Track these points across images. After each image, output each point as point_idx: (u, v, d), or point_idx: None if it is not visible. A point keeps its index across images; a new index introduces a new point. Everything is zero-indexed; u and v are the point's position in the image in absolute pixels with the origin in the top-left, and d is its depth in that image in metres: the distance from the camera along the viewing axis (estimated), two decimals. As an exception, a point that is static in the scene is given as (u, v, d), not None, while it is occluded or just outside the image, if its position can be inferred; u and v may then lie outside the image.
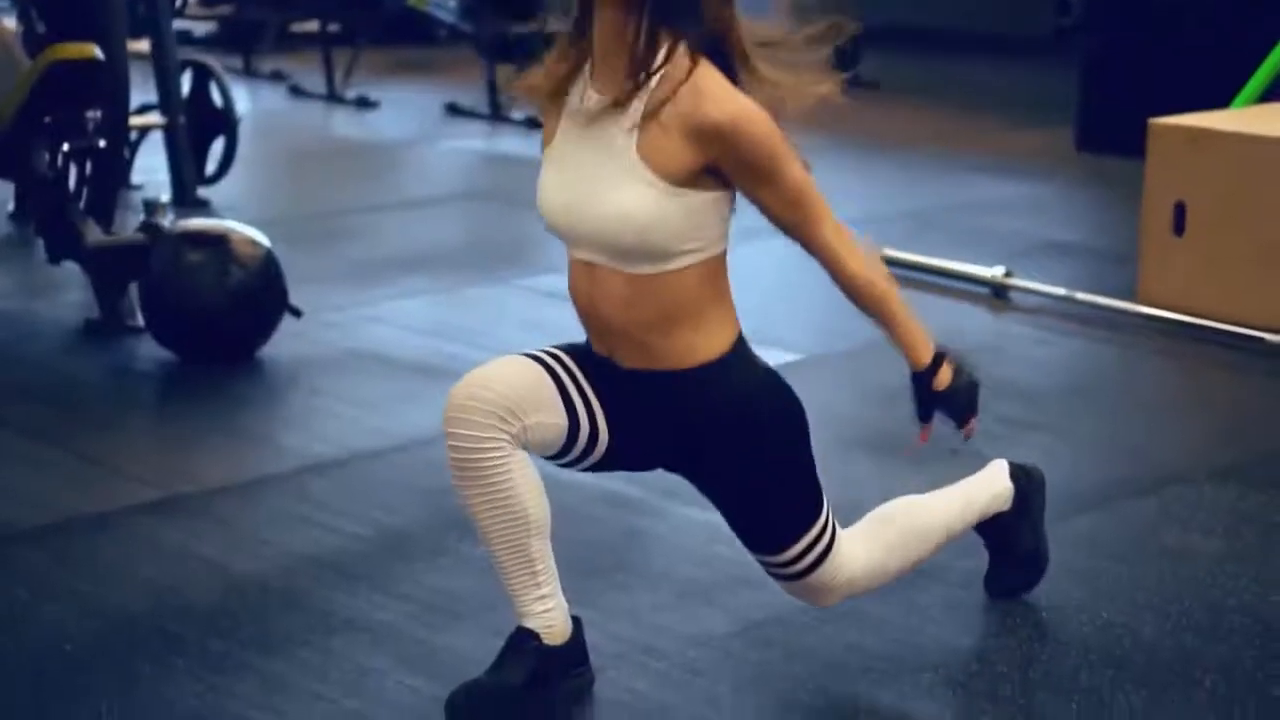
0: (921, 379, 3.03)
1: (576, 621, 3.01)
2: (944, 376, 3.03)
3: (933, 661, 3.19)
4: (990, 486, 3.36)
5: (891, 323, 2.99)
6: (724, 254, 2.88)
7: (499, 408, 2.81)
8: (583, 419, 2.90)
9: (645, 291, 2.82)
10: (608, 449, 2.95)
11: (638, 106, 2.78)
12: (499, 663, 2.94)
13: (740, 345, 2.93)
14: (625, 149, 2.79)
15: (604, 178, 2.80)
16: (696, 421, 2.92)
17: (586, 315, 2.93)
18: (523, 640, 2.94)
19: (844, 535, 3.11)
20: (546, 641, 2.94)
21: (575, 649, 3.00)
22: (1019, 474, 3.41)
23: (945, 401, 3.05)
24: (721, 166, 2.79)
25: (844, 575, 3.09)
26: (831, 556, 3.05)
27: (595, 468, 3.01)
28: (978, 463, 4.06)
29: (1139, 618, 3.35)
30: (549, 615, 2.95)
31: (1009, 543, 3.39)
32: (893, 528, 3.19)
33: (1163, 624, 3.32)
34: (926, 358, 3.01)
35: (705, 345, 2.88)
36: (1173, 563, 3.61)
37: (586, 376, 2.93)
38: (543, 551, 2.92)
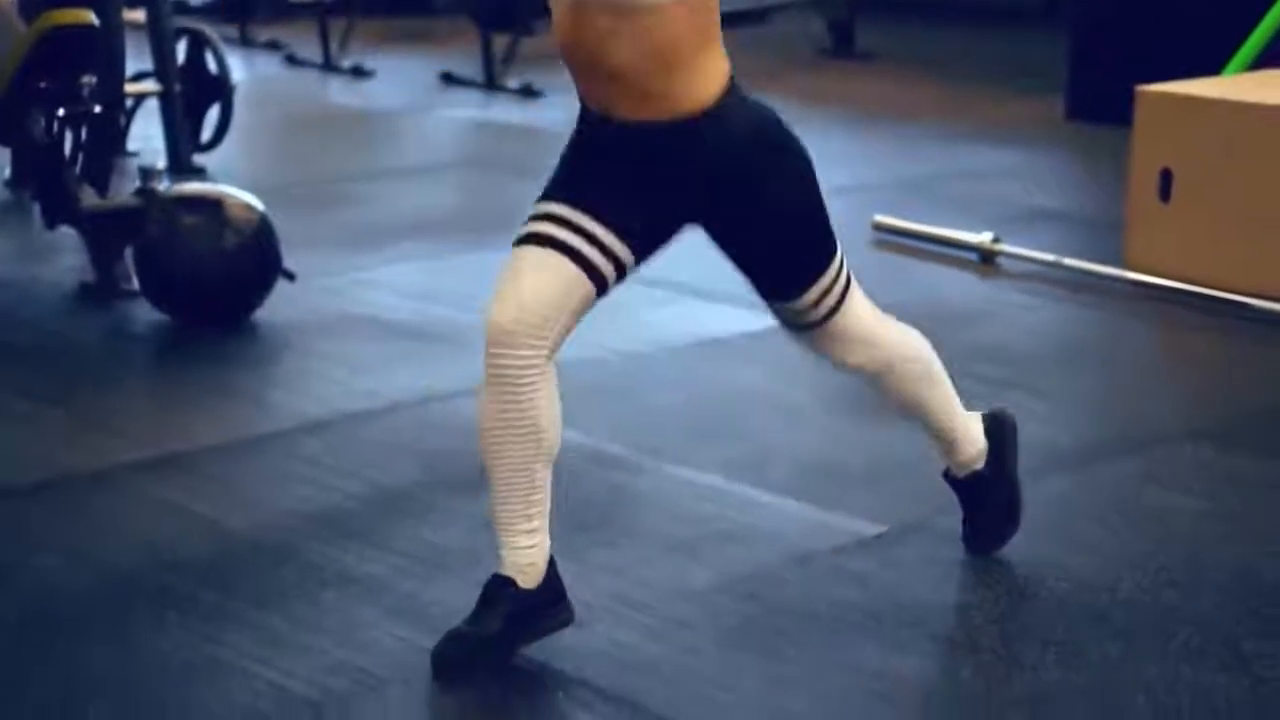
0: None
1: (551, 562, 3.06)
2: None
3: (913, 615, 3.25)
4: (967, 433, 3.41)
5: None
6: (712, 7, 2.88)
7: (536, 329, 2.91)
8: (607, 271, 2.95)
9: (635, 29, 2.81)
10: (634, 258, 2.99)
11: None
12: (477, 612, 3.01)
13: (734, 86, 2.94)
14: None
15: None
16: (703, 168, 2.94)
17: (580, 65, 2.91)
18: (499, 588, 3.00)
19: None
20: (522, 585, 3.00)
21: (550, 590, 3.05)
22: (992, 426, 3.46)
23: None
24: None
25: (865, 323, 3.22)
26: (849, 300, 3.17)
27: (636, 269, 3.04)
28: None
29: (1117, 574, 3.40)
30: (532, 552, 3.01)
31: (984, 499, 3.44)
32: (911, 338, 3.38)
33: (1140, 580, 3.38)
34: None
35: (702, 88, 2.89)
36: (1152, 521, 3.67)
37: (587, 207, 2.93)
38: (544, 481, 3.00)
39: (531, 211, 2.99)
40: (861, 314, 3.21)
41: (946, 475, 3.46)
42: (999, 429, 3.46)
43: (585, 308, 2.98)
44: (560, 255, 2.93)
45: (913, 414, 3.37)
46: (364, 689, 2.94)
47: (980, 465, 3.42)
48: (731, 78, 2.95)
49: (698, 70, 2.89)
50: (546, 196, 3.00)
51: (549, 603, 3.05)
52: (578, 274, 2.93)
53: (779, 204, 3.02)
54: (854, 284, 3.20)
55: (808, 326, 3.18)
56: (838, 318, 3.17)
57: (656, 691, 2.94)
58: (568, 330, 2.96)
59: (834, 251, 3.14)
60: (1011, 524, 3.47)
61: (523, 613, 3.00)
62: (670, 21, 2.83)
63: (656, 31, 2.83)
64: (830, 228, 3.12)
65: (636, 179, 2.96)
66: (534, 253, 2.94)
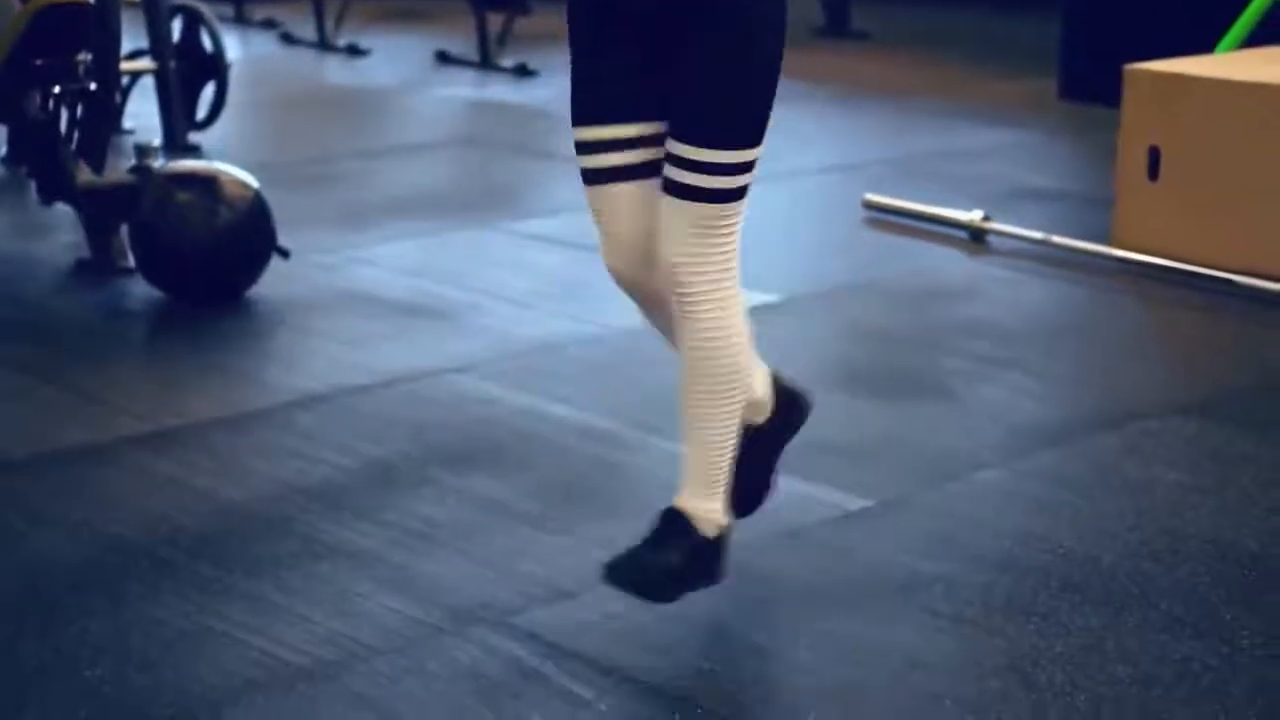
0: None
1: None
2: None
3: (897, 587, 3.30)
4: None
5: None
6: None
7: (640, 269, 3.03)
8: (659, 156, 2.96)
9: None
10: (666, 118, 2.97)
11: None
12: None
13: None
14: None
15: None
16: (695, 10, 2.89)
17: None
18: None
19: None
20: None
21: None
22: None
23: None
24: None
25: (719, 255, 2.95)
26: (729, 212, 2.94)
27: None
28: (953, 401, 4.18)
29: (1100, 546, 3.45)
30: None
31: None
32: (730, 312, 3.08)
33: (1122, 551, 3.43)
34: None
35: None
36: (1135, 494, 3.72)
37: (617, 114, 2.97)
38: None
39: (574, 139, 3.01)
40: (719, 244, 2.96)
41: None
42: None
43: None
44: (628, 183, 2.98)
45: (688, 407, 3.09)
46: (355, 658, 2.98)
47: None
48: None
49: None
50: (576, 120, 3.01)
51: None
52: (647, 188, 2.98)
53: (741, 45, 2.90)
54: (738, 220, 2.98)
55: (680, 189, 2.92)
56: (711, 209, 2.92)
57: (645, 662, 2.99)
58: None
59: (755, 145, 2.98)
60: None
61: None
62: None
63: None
64: (765, 121, 2.99)
65: (641, 46, 2.95)
66: (607, 191, 2.99)
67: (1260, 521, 3.57)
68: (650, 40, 2.96)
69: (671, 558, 3.02)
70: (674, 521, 3.06)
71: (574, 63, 3.03)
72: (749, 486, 3.32)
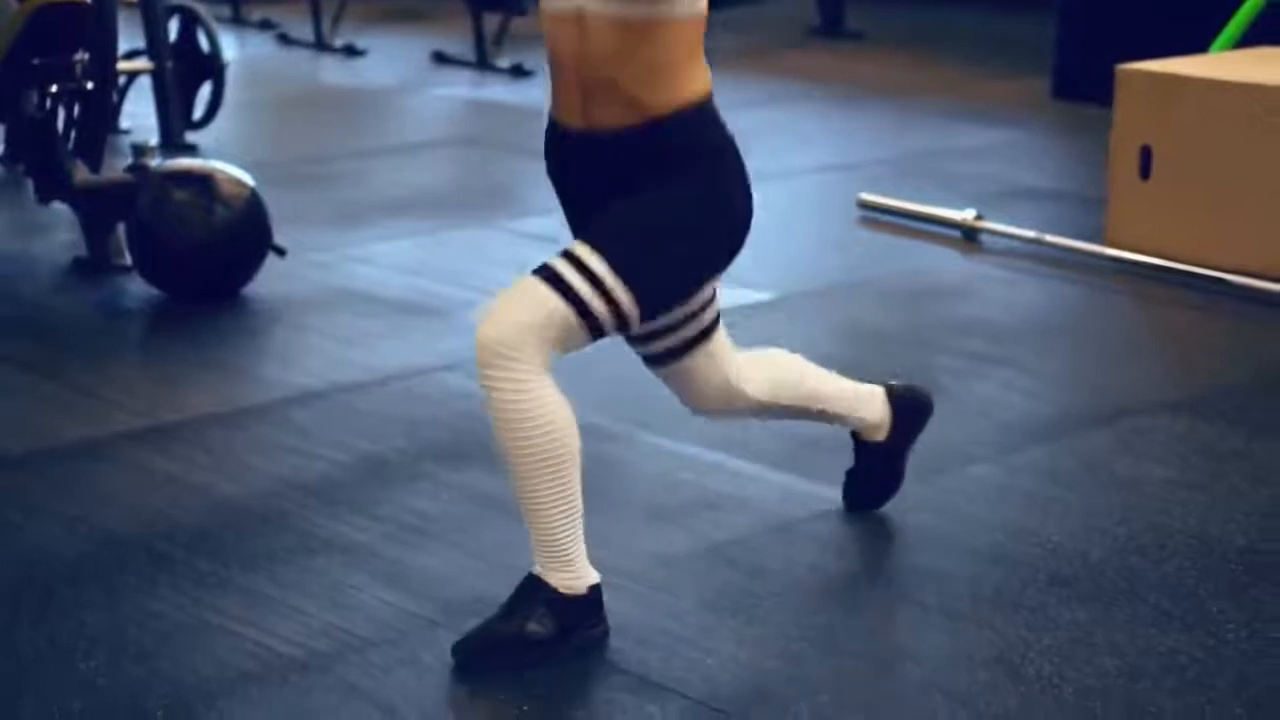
0: None
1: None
2: None
3: (888, 580, 3.33)
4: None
5: None
6: (704, 18, 2.95)
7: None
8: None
9: (637, 41, 2.88)
10: None
11: None
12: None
13: (708, 103, 2.98)
14: None
15: None
16: (653, 164, 2.95)
17: (572, 77, 2.96)
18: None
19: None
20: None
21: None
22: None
23: None
24: None
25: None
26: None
27: None
28: (945, 398, 4.20)
29: (1088, 540, 3.48)
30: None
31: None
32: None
33: (1111, 546, 3.45)
34: None
35: (675, 95, 2.93)
36: (1124, 490, 3.74)
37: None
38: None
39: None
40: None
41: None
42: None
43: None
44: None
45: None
46: (349, 650, 3.01)
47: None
48: (709, 95, 3.00)
49: (682, 78, 2.95)
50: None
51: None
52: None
53: (663, 212, 2.96)
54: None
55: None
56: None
57: (636, 653, 3.02)
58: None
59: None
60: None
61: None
62: (669, 36, 2.90)
63: (655, 44, 2.89)
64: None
65: (589, 192, 3.03)
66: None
67: (1248, 517, 3.60)
68: (606, 179, 3.02)
69: (516, 625, 2.96)
70: (527, 588, 3.01)
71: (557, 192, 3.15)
72: (879, 489, 3.57)
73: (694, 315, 3.18)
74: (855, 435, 3.56)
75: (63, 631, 3.06)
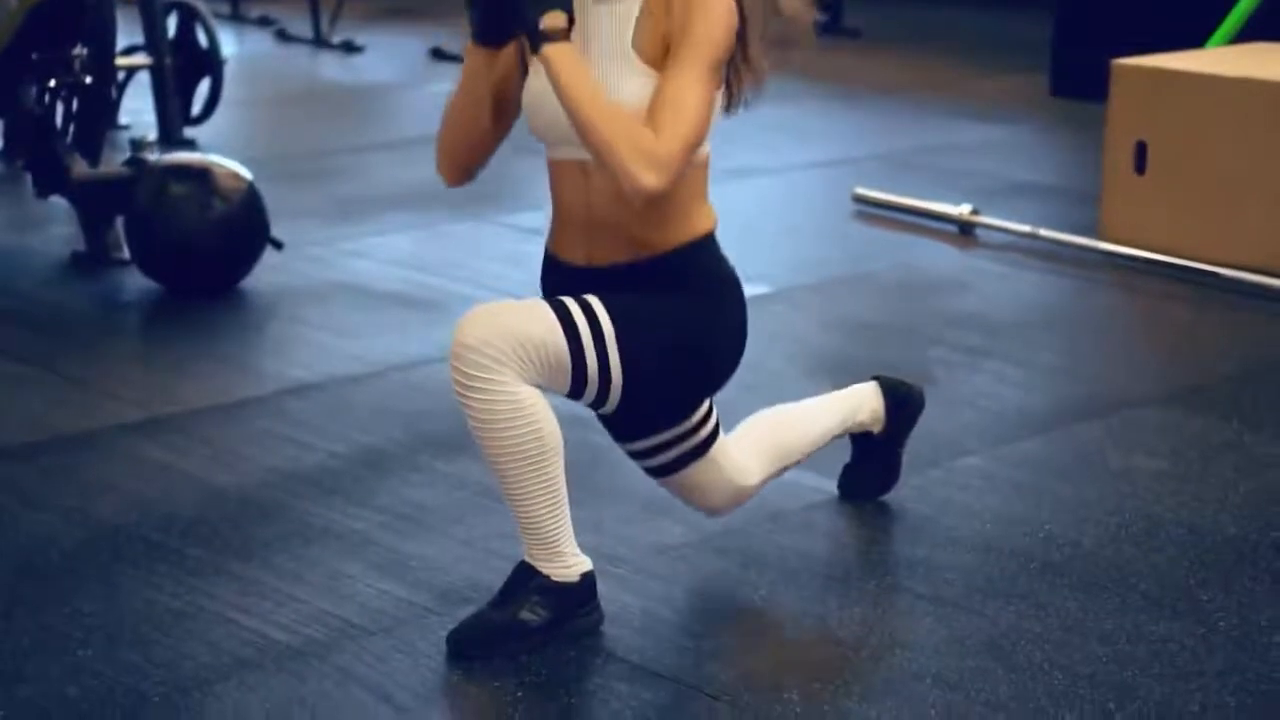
0: None
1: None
2: None
3: (880, 569, 3.35)
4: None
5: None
6: (709, 157, 3.00)
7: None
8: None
9: None
10: None
11: (632, 3, 2.90)
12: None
13: (711, 240, 3.03)
14: (620, 40, 2.89)
15: (603, 75, 2.88)
16: (664, 281, 2.98)
17: (576, 219, 3.00)
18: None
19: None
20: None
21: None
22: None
23: None
24: (670, 36, 2.87)
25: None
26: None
27: None
28: (938, 390, 4.22)
29: (1080, 530, 3.50)
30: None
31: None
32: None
33: (1102, 535, 3.47)
34: None
35: (676, 234, 2.98)
36: (1116, 481, 3.76)
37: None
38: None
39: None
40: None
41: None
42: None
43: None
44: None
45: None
46: (344, 637, 3.03)
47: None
48: (712, 232, 3.03)
49: (684, 220, 2.99)
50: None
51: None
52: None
53: (671, 317, 2.98)
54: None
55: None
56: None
57: (630, 640, 3.04)
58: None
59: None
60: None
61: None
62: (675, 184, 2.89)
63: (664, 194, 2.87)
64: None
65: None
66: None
67: (1238, 507, 3.62)
68: None
69: (509, 613, 2.98)
70: (519, 576, 3.03)
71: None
72: (876, 480, 3.60)
73: (693, 430, 3.19)
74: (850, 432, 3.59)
75: (60, 619, 3.08)
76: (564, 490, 2.97)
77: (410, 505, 3.58)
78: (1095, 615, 3.14)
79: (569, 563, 3.01)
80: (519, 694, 2.87)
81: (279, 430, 4.01)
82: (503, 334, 2.85)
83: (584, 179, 2.97)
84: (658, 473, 3.26)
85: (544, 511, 2.96)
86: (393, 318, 4.84)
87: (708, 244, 3.04)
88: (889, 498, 3.61)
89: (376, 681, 2.89)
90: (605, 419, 3.18)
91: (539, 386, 2.90)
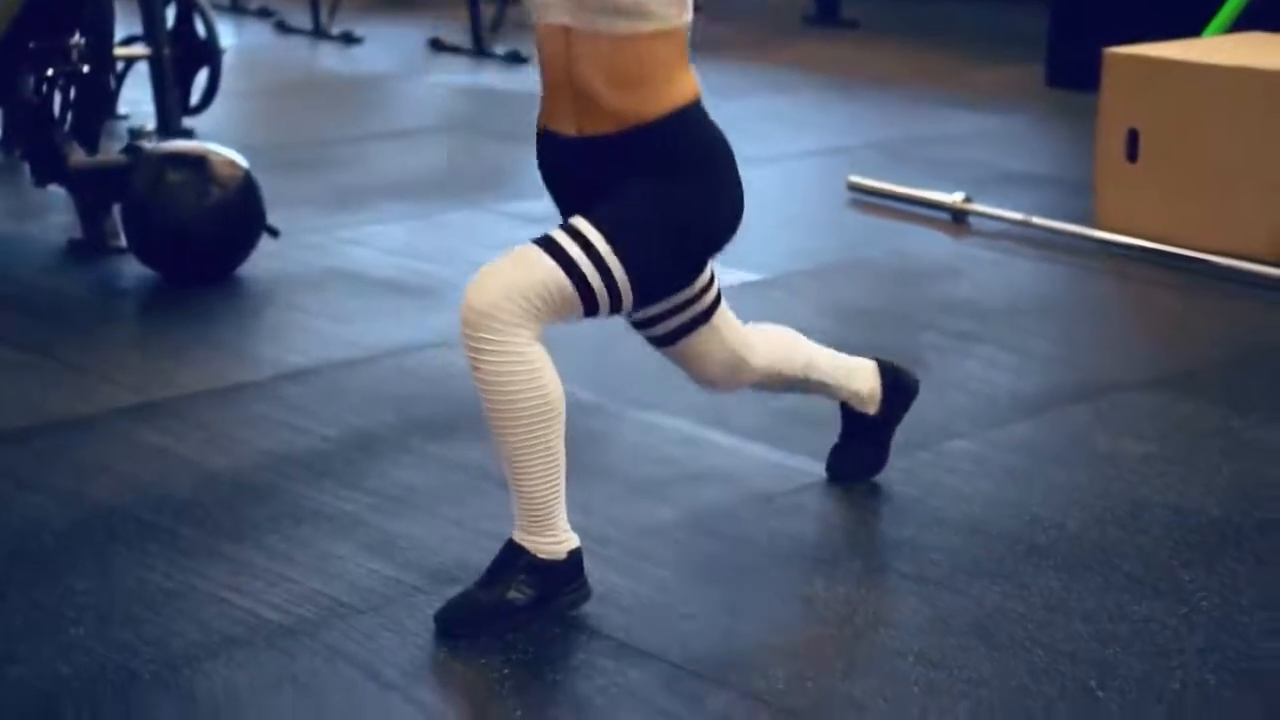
0: None
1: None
2: None
3: (867, 550, 3.38)
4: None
5: None
6: (688, 27, 3.01)
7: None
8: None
9: (621, 54, 2.94)
10: None
11: None
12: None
13: (696, 106, 3.03)
14: None
15: None
16: (643, 162, 3.00)
17: (561, 85, 3.02)
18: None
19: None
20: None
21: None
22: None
23: None
24: None
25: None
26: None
27: None
28: (928, 375, 4.25)
29: (1066, 512, 3.53)
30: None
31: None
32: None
33: (1088, 517, 3.50)
34: None
35: (669, 98, 2.99)
36: (1103, 464, 3.79)
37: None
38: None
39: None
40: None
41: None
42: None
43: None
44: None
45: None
46: (334, 616, 3.06)
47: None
48: (699, 99, 3.05)
49: (667, 88, 3.00)
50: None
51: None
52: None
53: (660, 204, 3.01)
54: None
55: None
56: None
57: (617, 619, 3.06)
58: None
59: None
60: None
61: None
62: (655, 49, 2.96)
63: (643, 58, 2.95)
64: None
65: (582, 186, 3.07)
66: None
67: (1224, 490, 3.64)
68: (592, 186, 3.06)
69: (496, 593, 3.00)
70: (507, 555, 3.06)
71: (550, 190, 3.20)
72: (866, 461, 3.63)
73: (695, 299, 3.23)
74: (845, 408, 3.62)
75: (53, 598, 3.11)
76: (563, 461, 3.02)
77: (400, 487, 3.61)
78: (1078, 595, 3.16)
79: (559, 538, 3.04)
80: (506, 671, 2.89)
81: (273, 414, 4.04)
82: (508, 292, 2.91)
83: (566, 45, 2.99)
84: (661, 341, 3.29)
85: (540, 479, 3.00)
86: (388, 304, 4.87)
87: (693, 111, 3.04)
88: (878, 480, 3.64)
89: (365, 659, 2.92)
90: None
91: (558, 321, 2.98)
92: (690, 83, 3.05)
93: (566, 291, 2.95)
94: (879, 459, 3.64)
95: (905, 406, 3.65)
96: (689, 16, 3.02)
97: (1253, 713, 2.78)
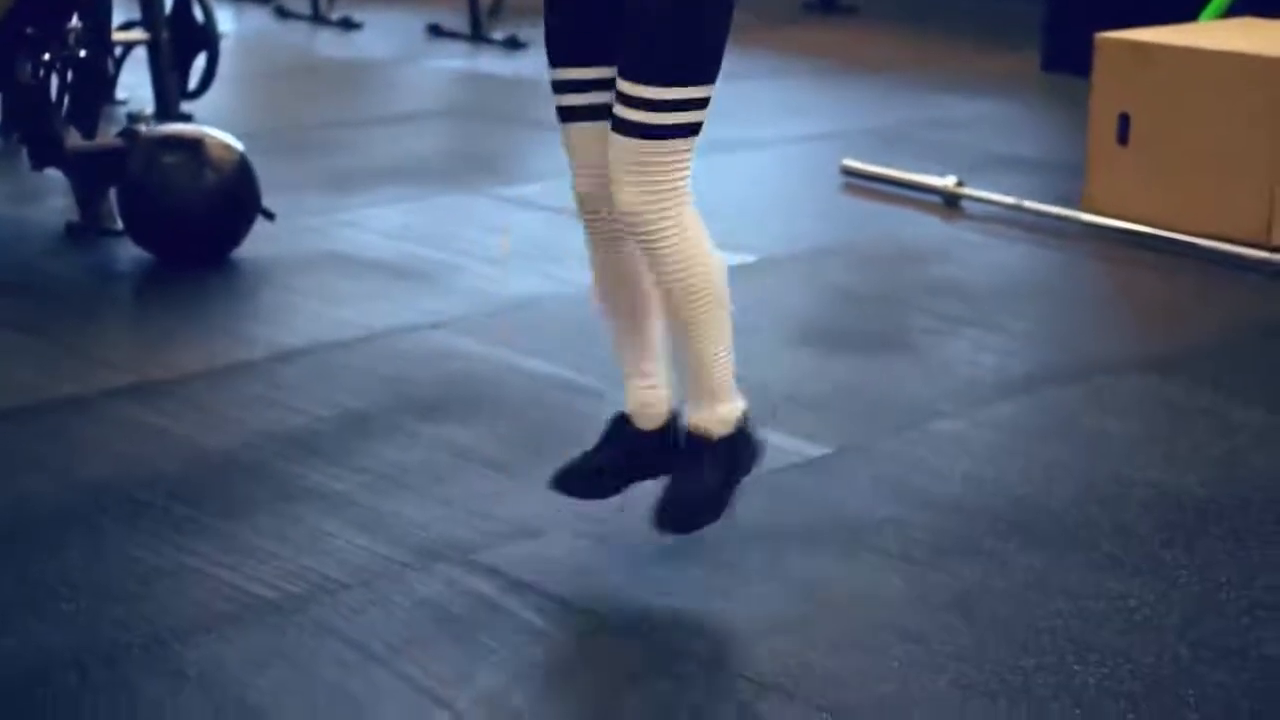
0: None
1: (672, 415, 3.28)
2: None
3: (849, 529, 3.41)
4: (721, 396, 3.23)
5: None
6: None
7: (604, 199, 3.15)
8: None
9: None
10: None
11: None
12: (599, 445, 3.29)
13: None
14: None
15: None
16: None
17: None
18: (619, 425, 3.30)
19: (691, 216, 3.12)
20: (639, 425, 3.26)
21: (666, 436, 3.28)
22: (743, 433, 3.27)
23: None
24: None
25: (668, 186, 3.05)
26: (678, 147, 3.04)
27: None
28: (916, 356, 4.29)
29: (1049, 491, 3.56)
30: (648, 393, 3.27)
31: (699, 469, 3.23)
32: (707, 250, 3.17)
33: (1070, 496, 3.54)
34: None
35: None
36: (1088, 443, 3.83)
37: (581, 58, 3.14)
38: (653, 331, 3.26)
39: (549, 79, 3.20)
40: (669, 177, 3.05)
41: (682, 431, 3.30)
42: (746, 439, 3.28)
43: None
44: (588, 121, 3.14)
45: (677, 332, 3.21)
46: (323, 591, 3.10)
47: (716, 435, 3.22)
48: None
49: None
50: (550, 62, 3.19)
51: (662, 447, 3.26)
52: (598, 127, 3.11)
53: (671, 13, 3.00)
54: (689, 157, 3.09)
55: (629, 128, 3.02)
56: (658, 145, 3.02)
57: (601, 595, 3.11)
58: None
59: (706, 82, 3.05)
60: (709, 514, 3.24)
61: (637, 450, 3.26)
62: None
63: None
64: (715, 61, 3.05)
65: (591, 9, 3.11)
66: (572, 128, 3.17)
67: (1206, 470, 3.68)
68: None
69: (706, 480, 3.21)
70: (693, 445, 3.23)
71: (547, 8, 3.20)
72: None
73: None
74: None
75: (46, 574, 3.15)
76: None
77: (391, 466, 3.65)
78: (1059, 572, 3.20)
79: (736, 402, 3.23)
80: (492, 645, 2.93)
81: (267, 394, 4.07)
82: (638, 186, 3.04)
83: None
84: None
85: (724, 351, 3.18)
86: (382, 286, 4.90)
87: None
88: (863, 459, 3.67)
89: (352, 633, 2.96)
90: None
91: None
92: None
93: (670, 147, 3.03)
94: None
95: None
96: None
97: (1229, 686, 2.82)
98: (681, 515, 3.23)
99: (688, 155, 3.08)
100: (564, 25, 3.17)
